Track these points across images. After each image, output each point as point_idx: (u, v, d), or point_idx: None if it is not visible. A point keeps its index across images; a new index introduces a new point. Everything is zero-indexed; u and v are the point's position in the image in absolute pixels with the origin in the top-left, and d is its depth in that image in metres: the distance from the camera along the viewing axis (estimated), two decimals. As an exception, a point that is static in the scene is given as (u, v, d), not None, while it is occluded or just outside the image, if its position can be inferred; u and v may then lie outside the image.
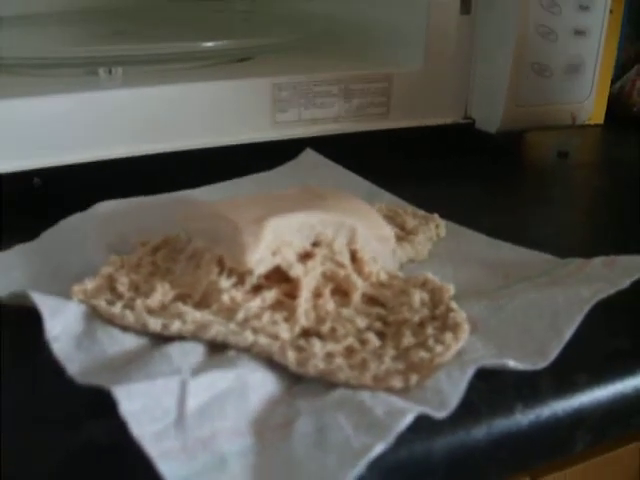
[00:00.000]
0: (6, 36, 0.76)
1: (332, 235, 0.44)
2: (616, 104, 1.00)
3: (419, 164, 0.72)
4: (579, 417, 0.38)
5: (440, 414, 0.33)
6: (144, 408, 0.32)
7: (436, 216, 0.55)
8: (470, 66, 0.74)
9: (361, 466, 0.30)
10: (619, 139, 0.93)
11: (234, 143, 0.64)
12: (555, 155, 0.82)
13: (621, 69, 1.05)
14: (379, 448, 0.31)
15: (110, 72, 0.64)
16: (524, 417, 0.37)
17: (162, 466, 0.30)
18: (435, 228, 0.54)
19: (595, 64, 0.77)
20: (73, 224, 0.53)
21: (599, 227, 0.62)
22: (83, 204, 0.55)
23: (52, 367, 0.36)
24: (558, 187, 0.73)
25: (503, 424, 0.36)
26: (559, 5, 0.71)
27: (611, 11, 0.81)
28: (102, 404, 0.33)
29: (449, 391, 0.35)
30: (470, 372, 0.36)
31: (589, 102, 0.78)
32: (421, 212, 0.57)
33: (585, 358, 0.40)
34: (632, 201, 0.67)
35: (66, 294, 0.42)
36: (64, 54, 0.64)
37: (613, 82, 1.02)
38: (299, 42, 0.76)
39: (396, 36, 0.76)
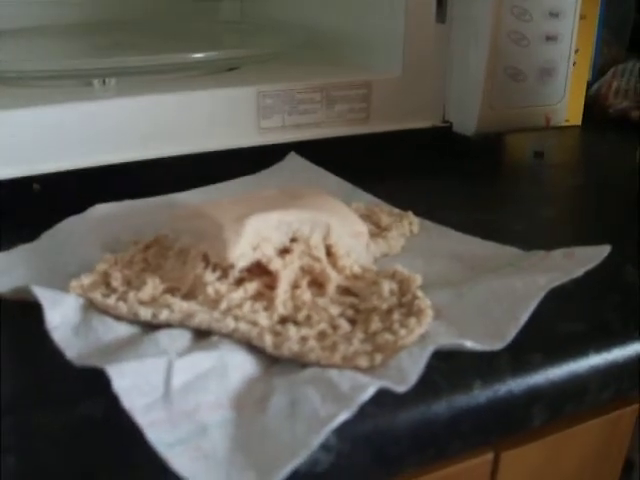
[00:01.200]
0: (4, 49, 0.79)
1: (308, 231, 0.48)
2: (593, 106, 1.03)
3: (398, 166, 0.75)
4: (534, 394, 0.42)
5: (400, 388, 0.37)
6: (134, 384, 0.36)
7: (410, 214, 0.59)
8: (446, 72, 0.77)
9: (327, 433, 0.34)
10: (596, 140, 0.96)
11: (221, 149, 0.67)
12: (531, 155, 0.85)
13: (599, 72, 1.08)
14: (343, 416, 0.34)
15: (104, 83, 0.67)
16: (482, 393, 0.40)
17: (150, 434, 0.33)
18: (409, 225, 0.57)
19: (567, 68, 0.80)
20: (70, 226, 0.56)
21: (568, 223, 0.66)
22: (79, 207, 0.58)
23: (52, 353, 0.40)
24: (532, 186, 0.76)
25: (462, 400, 0.39)
26: (530, 12, 0.74)
27: (584, 17, 0.85)
28: (97, 384, 0.37)
29: (409, 368, 0.38)
30: (429, 350, 0.39)
31: (562, 104, 0.81)
32: (396, 210, 0.60)
33: (541, 340, 0.44)
34: (604, 198, 0.70)
35: (64, 289, 0.45)
36: (60, 67, 0.67)
37: (591, 84, 1.05)
38: (283, 52, 0.79)
39: (375, 44, 0.79)
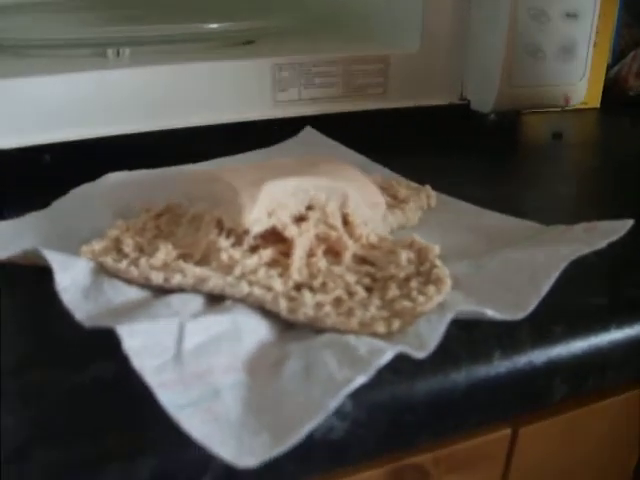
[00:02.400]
0: (18, 20, 0.78)
1: (325, 199, 0.47)
2: (613, 88, 1.02)
3: (415, 142, 0.74)
4: (555, 367, 0.40)
5: (419, 355, 0.36)
6: (145, 345, 0.35)
7: (428, 187, 0.58)
8: (465, 48, 0.76)
9: (343, 396, 0.33)
10: (615, 122, 0.95)
11: (235, 121, 0.66)
12: (549, 136, 0.84)
13: (619, 55, 1.07)
14: (360, 380, 0.33)
15: (118, 53, 0.67)
16: (502, 364, 0.39)
17: (160, 395, 0.32)
18: (426, 198, 0.56)
19: (588, 46, 0.78)
20: (82, 193, 0.55)
21: (588, 201, 0.64)
22: (90, 178, 0.57)
23: (61, 316, 0.39)
24: (550, 164, 0.75)
25: (482, 370, 0.38)
26: (551, -12, 0.73)
27: (604, -6, 0.83)
28: (106, 346, 0.36)
29: (428, 334, 0.37)
30: (449, 317, 0.38)
31: (582, 84, 0.80)
32: (414, 184, 0.59)
33: (562, 312, 0.43)
34: (623, 178, 0.69)
35: (75, 256, 0.44)
36: (74, 35, 0.66)
37: (610, 67, 1.04)
38: (300, 25, 0.78)
39: (393, 19, 0.78)
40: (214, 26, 0.68)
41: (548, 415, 0.46)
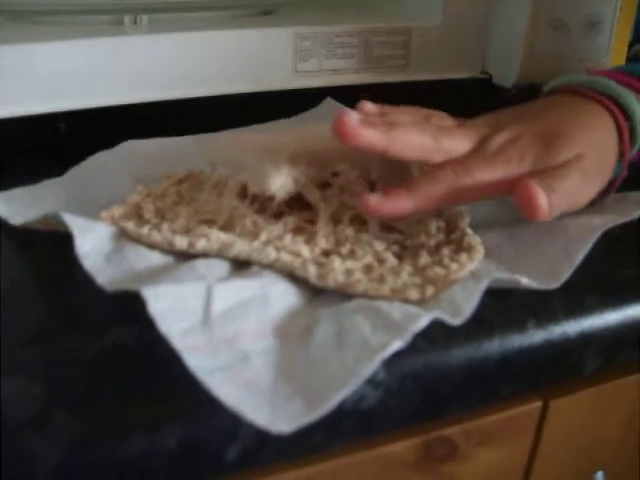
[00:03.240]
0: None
1: (350, 166, 0.45)
2: (633, 67, 1.00)
3: (436, 115, 0.73)
4: (588, 338, 0.40)
5: (455, 321, 0.35)
6: (171, 308, 0.34)
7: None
8: (488, 21, 0.75)
9: (378, 361, 0.32)
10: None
11: (256, 90, 0.65)
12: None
13: (639, 33, 1.05)
14: (396, 345, 0.32)
15: (135, 20, 0.65)
16: (536, 334, 0.38)
17: (189, 360, 0.31)
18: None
19: (612, 22, 0.77)
20: (100, 160, 0.54)
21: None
22: (107, 146, 0.56)
23: (81, 281, 0.38)
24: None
25: (515, 339, 0.37)
26: (577, -40, 0.72)
27: (630, -30, 0.82)
28: (128, 311, 0.35)
29: (463, 301, 0.36)
30: (484, 284, 0.37)
31: (605, 60, 0.79)
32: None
33: (597, 283, 0.42)
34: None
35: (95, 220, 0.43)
36: (90, 1, 0.65)
37: (631, 45, 1.02)
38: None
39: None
40: (233, -7, 0.67)
41: (579, 388, 0.45)
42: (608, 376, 0.45)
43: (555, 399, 0.44)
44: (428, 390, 0.36)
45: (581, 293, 0.40)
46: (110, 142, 0.56)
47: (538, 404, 0.44)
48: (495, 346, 0.37)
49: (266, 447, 0.32)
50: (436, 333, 0.35)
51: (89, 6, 0.66)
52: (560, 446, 0.46)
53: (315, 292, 0.38)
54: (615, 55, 0.81)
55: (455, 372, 0.36)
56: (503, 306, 0.39)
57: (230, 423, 0.31)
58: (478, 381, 0.37)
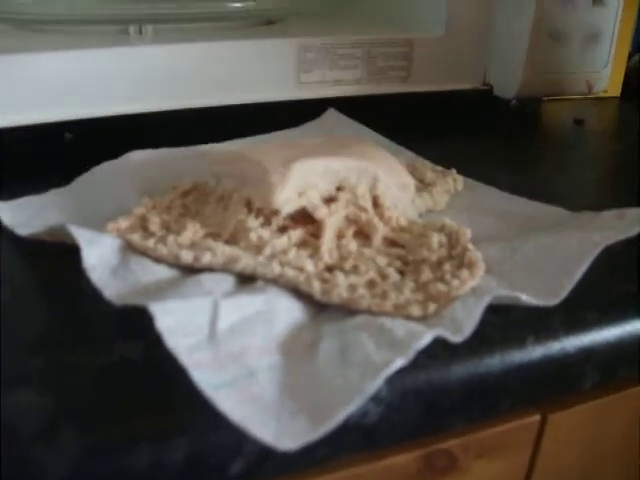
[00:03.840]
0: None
1: (355, 180, 0.46)
2: (633, 77, 1.01)
3: (437, 126, 0.73)
4: (588, 354, 0.40)
5: (457, 338, 0.35)
6: (178, 324, 0.34)
7: (454, 171, 0.57)
8: (489, 34, 0.75)
9: (382, 378, 0.32)
10: (635, 111, 0.94)
11: (259, 101, 0.66)
12: (571, 123, 0.83)
13: (638, 44, 1.06)
14: (399, 363, 0.33)
15: (140, 31, 0.66)
16: (535, 350, 0.38)
17: (196, 375, 0.31)
18: (453, 182, 0.55)
19: (612, 34, 0.78)
20: (105, 170, 0.54)
21: (612, 188, 0.64)
22: (112, 155, 0.57)
23: (87, 294, 0.38)
24: (573, 150, 0.74)
25: (515, 355, 0.38)
26: (578, -26, 0.72)
27: (629, -18, 0.83)
28: (134, 325, 0.35)
29: (465, 318, 0.36)
30: (486, 300, 0.37)
31: (605, 72, 0.79)
32: (439, 168, 0.58)
33: (596, 298, 0.42)
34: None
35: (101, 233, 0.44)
36: (96, 11, 0.66)
37: (630, 57, 1.03)
38: (324, 7, 0.77)
39: (418, 2, 0.77)
40: (239, 5, 0.67)
41: (577, 402, 0.45)
42: (607, 391, 0.45)
43: (553, 413, 0.44)
44: (429, 405, 0.36)
45: (580, 309, 0.41)
46: (115, 151, 0.57)
47: (536, 418, 0.44)
48: (495, 362, 0.37)
49: (270, 462, 0.32)
50: (437, 349, 0.35)
51: (94, 16, 0.66)
52: (558, 460, 0.47)
53: (319, 307, 0.39)
54: (614, 66, 0.82)
55: (456, 387, 0.36)
56: (503, 322, 0.39)
57: (235, 438, 0.31)
58: (478, 396, 0.38)
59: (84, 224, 0.44)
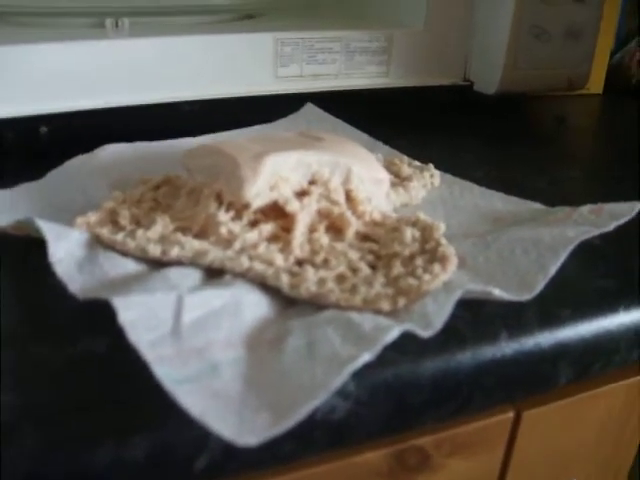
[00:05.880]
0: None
1: (328, 174, 0.46)
2: (615, 75, 1.01)
3: (417, 122, 0.73)
4: (562, 350, 0.39)
5: (426, 333, 0.35)
6: (141, 318, 0.34)
7: (431, 166, 0.57)
8: (470, 28, 0.75)
9: (347, 373, 0.32)
10: (617, 108, 0.94)
11: (236, 95, 0.65)
12: (552, 119, 0.83)
13: (622, 42, 1.06)
14: (365, 358, 0.32)
15: (117, 24, 0.65)
16: (508, 346, 0.38)
17: (157, 370, 0.31)
18: (429, 177, 0.55)
19: (594, 31, 0.78)
20: (77, 164, 0.54)
21: (592, 182, 0.63)
22: (87, 149, 0.56)
23: (53, 288, 0.38)
24: (553, 146, 0.74)
25: (488, 351, 0.37)
26: (559, -30, 0.72)
27: (611, -21, 0.82)
28: (99, 319, 0.35)
29: (435, 313, 0.36)
30: (456, 295, 0.37)
31: (586, 68, 0.79)
32: (416, 163, 0.58)
33: (570, 294, 0.42)
34: (625, 163, 0.68)
35: (69, 226, 0.43)
36: (71, 3, 0.65)
37: (613, 54, 1.03)
38: (303, 1, 0.77)
39: (397, -3, 0.77)
40: (218, -2, 0.67)
41: (551, 399, 0.45)
42: (581, 387, 0.45)
43: (528, 410, 0.44)
44: (399, 401, 0.36)
45: (554, 304, 0.40)
46: (91, 145, 0.56)
47: (510, 415, 0.43)
48: (467, 358, 0.37)
49: (235, 458, 0.32)
50: (407, 344, 0.35)
51: (70, 9, 0.65)
52: (533, 457, 0.47)
53: (288, 302, 0.38)
54: (595, 64, 0.81)
55: (426, 383, 0.36)
56: (475, 317, 0.39)
57: (198, 434, 0.30)
58: (450, 392, 0.37)
59: (53, 218, 0.44)
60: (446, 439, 0.42)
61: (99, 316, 0.35)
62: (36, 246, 0.41)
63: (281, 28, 0.67)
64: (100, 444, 0.30)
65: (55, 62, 0.59)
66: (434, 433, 0.41)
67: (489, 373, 0.38)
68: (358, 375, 0.33)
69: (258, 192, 0.42)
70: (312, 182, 0.45)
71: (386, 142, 0.63)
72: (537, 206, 0.51)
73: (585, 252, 0.44)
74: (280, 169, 0.44)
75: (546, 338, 0.39)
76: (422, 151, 0.61)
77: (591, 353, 0.41)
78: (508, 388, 0.40)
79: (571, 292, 0.42)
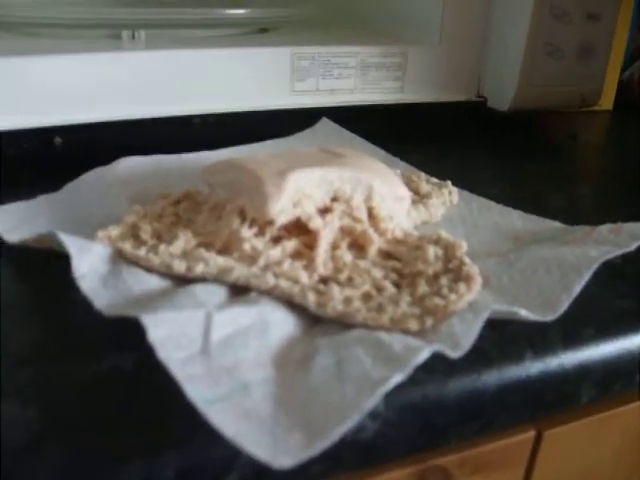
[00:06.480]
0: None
1: (350, 191, 0.46)
2: (625, 91, 1.01)
3: (430, 137, 0.73)
4: (585, 370, 0.39)
5: (454, 354, 0.35)
6: (170, 336, 0.33)
7: (449, 183, 0.57)
8: (484, 45, 0.75)
9: (379, 395, 0.31)
10: (627, 125, 0.94)
11: (253, 109, 0.65)
12: (564, 136, 0.83)
13: (630, 58, 1.06)
14: (397, 379, 0.32)
15: (133, 36, 0.65)
16: (533, 366, 0.38)
17: (189, 389, 0.31)
18: (448, 194, 0.55)
19: (607, 48, 0.78)
20: (95, 177, 0.54)
21: (607, 201, 0.63)
22: (103, 162, 0.56)
23: (77, 303, 0.38)
24: (567, 163, 0.74)
25: (513, 371, 0.37)
26: (574, -13, 0.72)
27: (623, -1, 0.82)
28: (125, 336, 0.35)
29: (463, 333, 0.36)
30: (483, 316, 0.37)
31: (599, 85, 0.79)
32: (434, 179, 0.58)
33: (593, 314, 0.42)
34: (637, 177, 0.68)
35: (90, 240, 0.43)
36: (88, 15, 0.65)
37: (622, 70, 1.03)
38: (318, 15, 0.77)
39: (413, 13, 0.77)
40: (232, 12, 0.67)
41: (573, 418, 0.45)
42: (602, 406, 0.45)
43: (549, 429, 0.44)
44: (426, 421, 0.36)
45: (578, 324, 0.40)
46: (106, 157, 0.56)
47: (532, 434, 0.43)
48: (493, 378, 0.37)
49: (264, 477, 0.32)
50: (434, 365, 0.35)
51: (87, 20, 0.65)
52: (553, 475, 0.46)
53: (313, 319, 0.38)
54: (607, 80, 0.82)
55: (452, 403, 0.36)
56: (501, 337, 0.39)
57: (228, 452, 0.30)
58: (475, 412, 0.37)
59: (74, 231, 0.44)
60: (468, 458, 0.41)
61: (125, 331, 0.35)
62: (56, 258, 0.41)
63: (297, 42, 0.67)
64: (129, 462, 0.30)
65: (71, 74, 0.59)
66: (457, 452, 0.41)
67: (513, 393, 0.38)
68: (387, 396, 0.33)
69: (282, 209, 0.42)
70: (334, 199, 0.45)
71: (402, 158, 0.63)
72: (556, 225, 0.51)
73: (606, 271, 0.44)
74: (303, 186, 0.44)
75: (569, 358, 0.39)
76: (437, 167, 0.61)
77: (613, 373, 0.41)
78: (531, 408, 0.40)
79: (593, 311, 0.42)
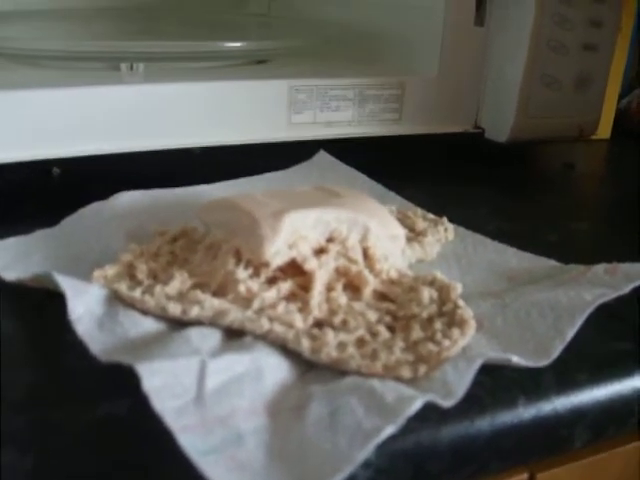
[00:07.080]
0: (30, 29, 0.77)
1: (346, 232, 0.46)
2: (622, 120, 1.01)
3: (428, 170, 0.73)
4: (578, 414, 0.39)
5: (447, 403, 0.35)
6: (165, 385, 0.34)
7: (445, 219, 0.57)
8: (482, 76, 0.75)
9: (372, 447, 0.32)
10: (625, 154, 0.95)
11: (250, 142, 0.65)
12: (561, 166, 0.83)
13: (628, 86, 1.07)
14: (389, 430, 0.32)
15: (132, 68, 0.66)
16: (526, 411, 0.38)
17: (183, 440, 0.31)
18: (444, 231, 0.55)
19: (604, 78, 0.78)
20: (93, 212, 0.54)
21: (603, 236, 0.63)
22: (101, 195, 0.56)
23: (72, 345, 0.38)
24: (564, 196, 0.74)
25: (506, 416, 0.37)
26: (571, 21, 0.72)
27: (620, 29, 0.83)
28: (121, 382, 0.35)
29: (455, 382, 0.36)
30: (477, 364, 0.37)
31: (596, 116, 0.80)
32: (430, 215, 0.58)
33: (586, 358, 0.42)
34: (635, 212, 0.68)
35: (85, 279, 0.43)
36: (87, 48, 0.65)
37: (620, 99, 1.04)
38: (315, 47, 0.77)
39: (410, 44, 0.77)
40: (230, 45, 0.67)
41: (566, 460, 0.45)
42: (595, 449, 0.45)
43: (541, 472, 0.44)
44: (418, 468, 0.36)
45: (571, 369, 0.40)
46: (104, 189, 0.56)
47: (524, 476, 0.43)
48: (486, 424, 0.37)
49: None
50: (427, 412, 0.35)
51: (86, 53, 0.65)
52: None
53: (308, 365, 0.38)
54: (605, 110, 0.82)
55: (445, 450, 0.36)
56: (494, 383, 0.39)
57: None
58: (468, 458, 0.37)
59: (71, 268, 0.44)
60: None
61: (119, 378, 0.35)
62: (53, 297, 0.41)
63: (295, 75, 0.68)
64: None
65: (69, 106, 0.59)
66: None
67: (506, 438, 0.38)
68: (379, 445, 0.33)
69: (277, 251, 0.43)
70: (330, 239, 0.45)
71: (397, 190, 0.63)
72: (552, 263, 0.51)
73: (600, 312, 0.44)
74: (299, 227, 0.44)
75: (563, 403, 0.39)
76: (434, 200, 0.62)
77: (606, 417, 0.41)
78: (524, 452, 0.40)
79: (586, 355, 0.42)
